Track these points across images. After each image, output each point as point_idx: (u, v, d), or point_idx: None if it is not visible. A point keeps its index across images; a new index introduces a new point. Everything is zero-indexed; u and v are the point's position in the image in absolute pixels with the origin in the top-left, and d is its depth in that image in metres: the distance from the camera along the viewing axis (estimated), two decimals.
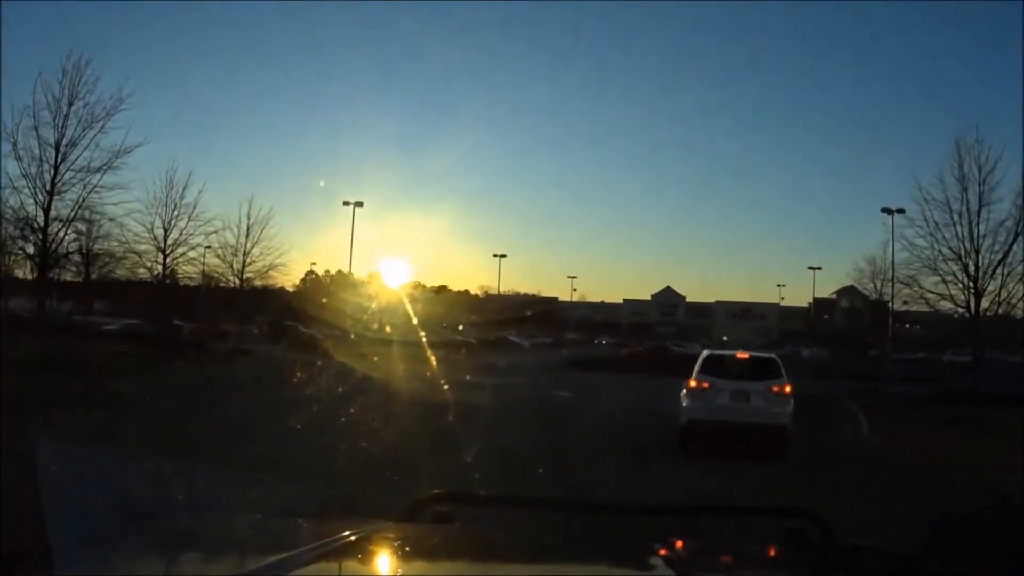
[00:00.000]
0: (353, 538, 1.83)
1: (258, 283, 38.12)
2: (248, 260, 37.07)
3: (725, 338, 71.11)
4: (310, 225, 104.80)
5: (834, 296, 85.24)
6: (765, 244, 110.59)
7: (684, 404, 11.58)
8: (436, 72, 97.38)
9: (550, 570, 1.93)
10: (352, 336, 43.07)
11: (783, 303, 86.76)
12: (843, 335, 77.21)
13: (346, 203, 42.90)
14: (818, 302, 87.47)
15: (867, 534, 2.67)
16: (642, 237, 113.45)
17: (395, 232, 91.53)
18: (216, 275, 38.09)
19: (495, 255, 64.75)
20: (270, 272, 37.66)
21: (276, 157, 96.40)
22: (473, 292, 77.08)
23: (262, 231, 37.38)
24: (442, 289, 68.26)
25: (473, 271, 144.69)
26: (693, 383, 11.57)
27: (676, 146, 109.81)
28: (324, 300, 48.77)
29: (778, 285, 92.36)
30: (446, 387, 19.52)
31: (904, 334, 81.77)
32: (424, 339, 34.21)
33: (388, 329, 45.16)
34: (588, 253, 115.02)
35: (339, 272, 56.82)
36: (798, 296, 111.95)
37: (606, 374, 30.50)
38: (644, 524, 2.46)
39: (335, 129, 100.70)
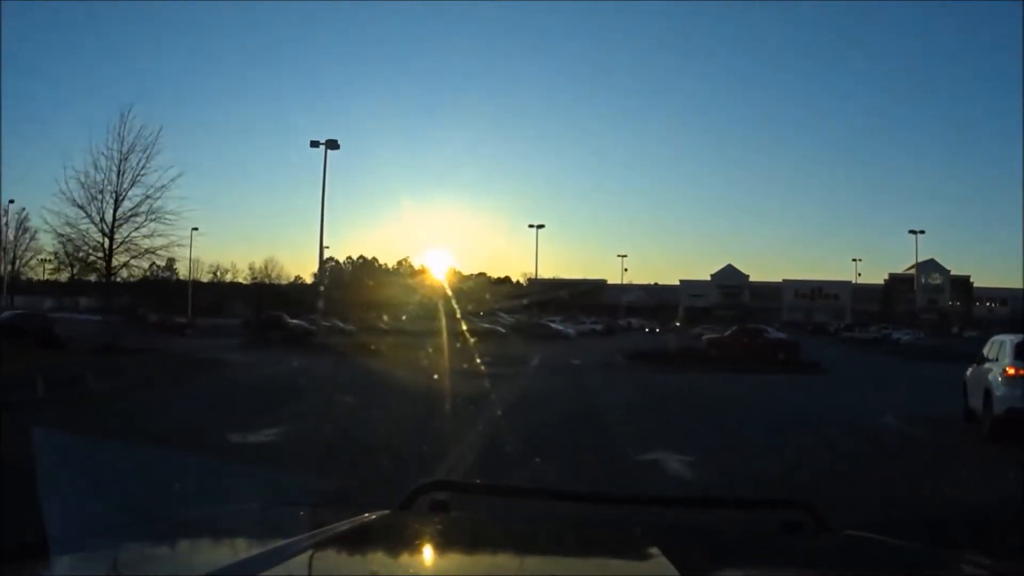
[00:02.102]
0: (349, 527, 1.85)
1: (146, 243, 26.76)
2: (121, 210, 25.95)
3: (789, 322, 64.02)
4: (347, 216, 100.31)
5: (912, 272, 77.87)
6: (839, 211, 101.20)
7: (998, 393, 11.34)
8: (471, 28, 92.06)
9: (545, 560, 1.90)
10: (351, 327, 38.52)
11: (858, 280, 78.93)
12: (923, 315, 70.40)
13: (314, 144, 32.23)
14: (895, 279, 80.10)
15: (863, 526, 2.17)
16: (698, 210, 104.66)
17: (434, 220, 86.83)
18: (69, 230, 26.68)
19: (530, 225, 56.56)
20: (151, 224, 26.55)
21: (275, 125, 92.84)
22: (515, 279, 71.60)
23: (144, 163, 26.32)
24: (480, 275, 63.35)
25: (515, 259, 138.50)
26: (1011, 370, 11.30)
27: (735, 107, 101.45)
28: (328, 289, 44.65)
29: (853, 260, 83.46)
30: (412, 405, 12.16)
31: (986, 314, 75.02)
32: (437, 328, 28.78)
33: (395, 318, 40.73)
34: (638, 231, 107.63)
35: (360, 258, 52.87)
36: (872, 272, 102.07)
37: (692, 375, 20.35)
38: (640, 515, 2.40)
39: (353, 104, 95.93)
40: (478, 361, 21.11)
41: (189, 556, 1.73)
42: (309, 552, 1.59)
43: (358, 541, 1.79)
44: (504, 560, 1.83)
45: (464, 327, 29.81)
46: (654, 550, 1.70)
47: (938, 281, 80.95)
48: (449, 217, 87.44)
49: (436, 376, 17.61)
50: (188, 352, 22.10)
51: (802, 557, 1.93)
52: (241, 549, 1.71)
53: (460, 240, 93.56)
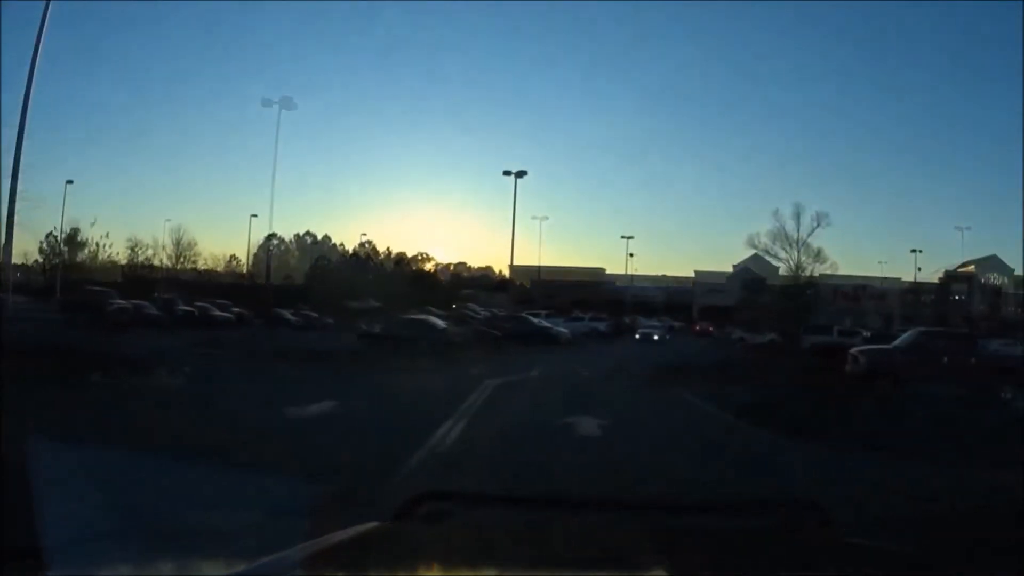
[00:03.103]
0: (343, 538, 1.84)
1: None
2: None
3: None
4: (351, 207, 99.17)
5: (972, 270, 71.98)
6: (879, 201, 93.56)
7: None
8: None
9: (545, 570, 1.88)
10: (328, 321, 36.84)
11: (908, 279, 73.34)
12: (975, 318, 64.90)
13: (266, 103, 32.27)
14: (950, 277, 74.20)
15: (866, 524, 2.36)
16: (712, 193, 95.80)
17: (433, 217, 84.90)
18: None
19: (534, 217, 52.49)
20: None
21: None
22: (518, 281, 69.11)
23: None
24: (484, 272, 61.31)
25: (504, 252, 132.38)
26: None
27: (754, 85, 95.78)
28: (318, 283, 43.75)
29: (879, 262, 77.95)
30: None
31: None
32: (418, 327, 25.66)
33: (375, 314, 39.01)
34: (641, 216, 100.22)
35: (354, 254, 51.96)
36: (903, 270, 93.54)
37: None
38: (642, 519, 2.40)
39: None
40: (450, 371, 17.05)
41: (179, 568, 1.72)
42: (301, 564, 1.58)
43: (352, 553, 1.77)
44: (502, 571, 1.80)
45: (449, 327, 27.00)
46: (657, 554, 1.72)
47: (996, 282, 74.83)
48: (448, 213, 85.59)
49: (351, 404, 11.90)
50: (73, 349, 16.66)
51: (805, 558, 1.90)
52: (234, 560, 1.67)
53: (458, 235, 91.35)
